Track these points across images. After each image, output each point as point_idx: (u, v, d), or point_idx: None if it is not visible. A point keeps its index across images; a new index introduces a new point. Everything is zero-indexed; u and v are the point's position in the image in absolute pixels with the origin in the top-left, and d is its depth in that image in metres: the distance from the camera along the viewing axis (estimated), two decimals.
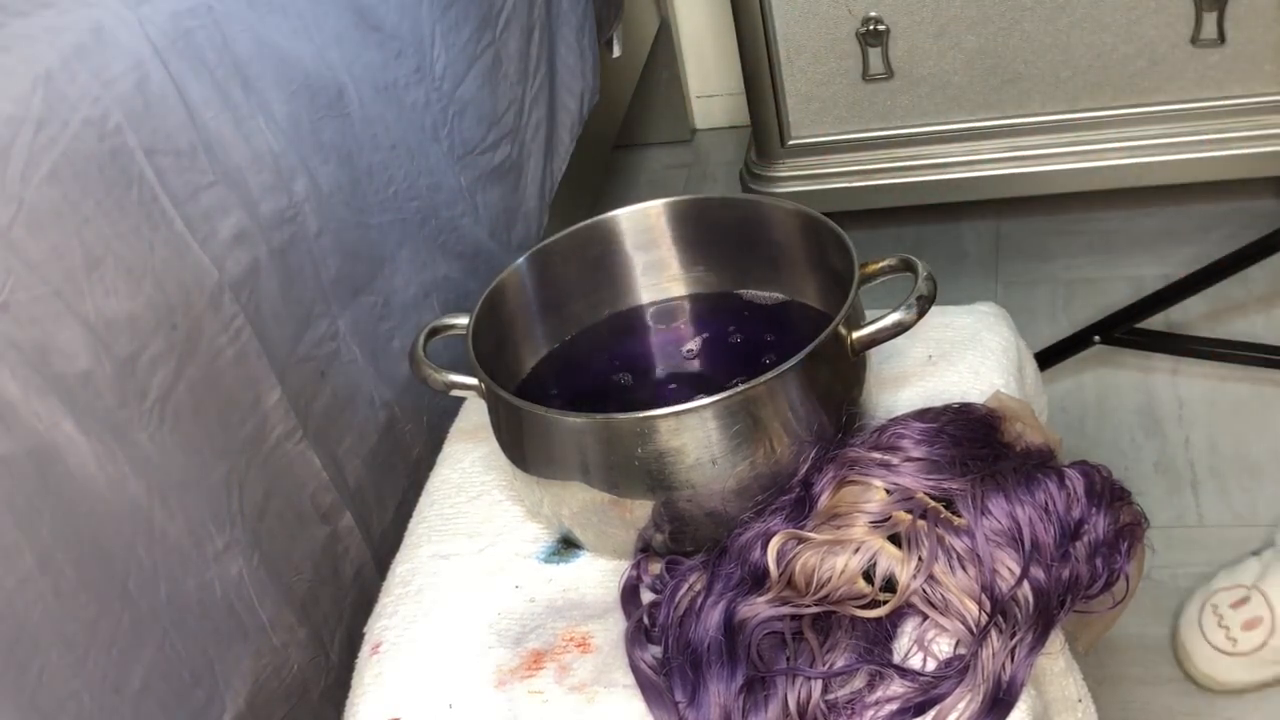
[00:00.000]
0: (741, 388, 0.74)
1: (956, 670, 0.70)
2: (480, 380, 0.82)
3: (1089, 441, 1.41)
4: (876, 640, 0.71)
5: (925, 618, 0.72)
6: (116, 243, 0.74)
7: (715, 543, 0.77)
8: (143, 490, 0.74)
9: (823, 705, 0.69)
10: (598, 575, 0.82)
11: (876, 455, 0.76)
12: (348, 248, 0.97)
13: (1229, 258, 1.31)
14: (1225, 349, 1.39)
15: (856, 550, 0.72)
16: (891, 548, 0.73)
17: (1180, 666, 1.15)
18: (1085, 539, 0.75)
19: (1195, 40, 1.45)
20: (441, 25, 1.13)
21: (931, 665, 0.71)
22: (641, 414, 0.75)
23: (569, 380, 0.90)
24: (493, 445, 0.85)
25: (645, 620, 0.76)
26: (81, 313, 0.71)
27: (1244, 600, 1.13)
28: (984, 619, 0.70)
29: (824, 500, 0.75)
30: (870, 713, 0.69)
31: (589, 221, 0.93)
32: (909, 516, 0.73)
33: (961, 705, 0.69)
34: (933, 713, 0.69)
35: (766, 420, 0.76)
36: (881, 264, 0.82)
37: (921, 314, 0.77)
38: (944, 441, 0.77)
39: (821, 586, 0.72)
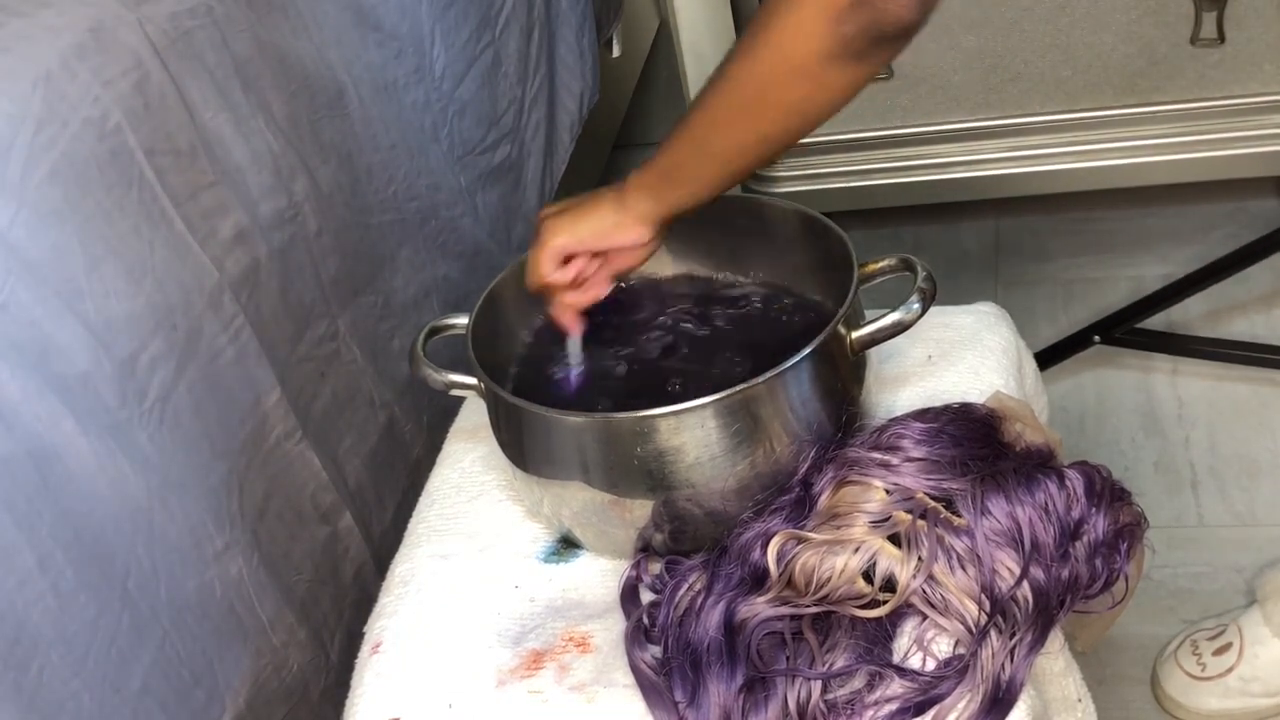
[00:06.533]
0: (741, 387, 0.74)
1: (956, 670, 0.70)
2: (480, 380, 0.82)
3: (1089, 441, 1.40)
4: (876, 640, 0.71)
5: (925, 618, 0.72)
6: (116, 243, 0.74)
7: (715, 542, 0.77)
8: (143, 490, 0.74)
9: (822, 705, 0.69)
10: (598, 575, 0.82)
11: (876, 455, 0.76)
12: (348, 247, 0.97)
13: (1229, 258, 1.31)
14: (1225, 349, 1.39)
15: (856, 550, 0.72)
16: (891, 548, 0.73)
17: (1156, 701, 1.14)
18: (1085, 539, 0.75)
19: (1195, 40, 1.45)
20: (441, 25, 1.13)
21: (931, 665, 0.71)
22: (641, 413, 0.75)
23: (568, 380, 0.90)
24: (492, 445, 0.85)
25: (645, 620, 0.76)
26: (81, 313, 0.71)
27: (1220, 632, 1.12)
28: (984, 619, 0.70)
29: (824, 500, 0.75)
30: (870, 713, 0.69)
31: None
32: (909, 516, 0.73)
33: (961, 705, 0.69)
34: (932, 713, 0.69)
35: (766, 420, 0.76)
36: (881, 264, 0.82)
37: (921, 314, 0.77)
38: (944, 441, 0.77)
39: (821, 586, 0.72)
